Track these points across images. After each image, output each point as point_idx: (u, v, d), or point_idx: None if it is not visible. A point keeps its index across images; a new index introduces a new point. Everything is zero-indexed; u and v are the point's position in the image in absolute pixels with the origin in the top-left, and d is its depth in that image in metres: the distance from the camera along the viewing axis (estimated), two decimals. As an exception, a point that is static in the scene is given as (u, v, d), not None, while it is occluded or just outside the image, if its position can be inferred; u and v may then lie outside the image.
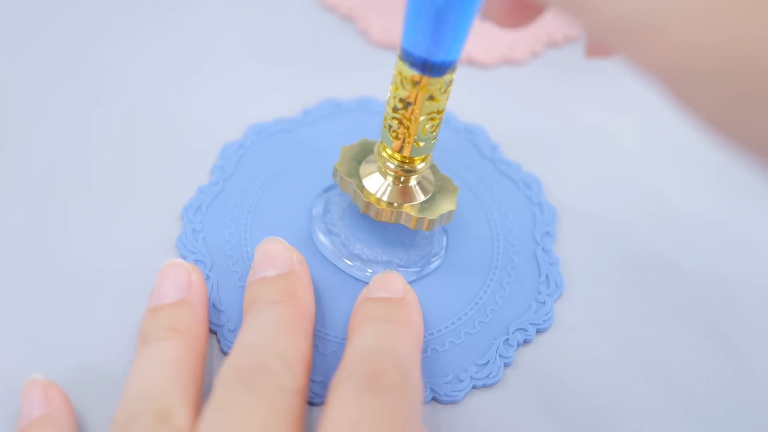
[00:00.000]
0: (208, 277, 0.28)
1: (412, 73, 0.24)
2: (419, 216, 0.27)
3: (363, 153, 0.29)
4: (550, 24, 0.39)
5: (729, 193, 0.33)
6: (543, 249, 0.30)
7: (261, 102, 0.34)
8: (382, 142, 0.27)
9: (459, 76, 0.36)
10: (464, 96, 0.35)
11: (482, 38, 0.38)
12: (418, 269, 0.28)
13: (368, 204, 0.27)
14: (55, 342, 0.26)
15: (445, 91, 0.25)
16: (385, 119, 0.26)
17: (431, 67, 0.24)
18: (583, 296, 0.29)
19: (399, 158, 0.27)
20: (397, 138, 0.26)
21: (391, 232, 0.29)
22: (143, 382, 0.22)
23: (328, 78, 0.35)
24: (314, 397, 0.25)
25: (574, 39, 0.39)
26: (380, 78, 0.35)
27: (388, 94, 0.26)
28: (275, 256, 0.25)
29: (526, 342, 0.27)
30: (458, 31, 0.23)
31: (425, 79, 0.24)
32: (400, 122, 0.26)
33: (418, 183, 0.28)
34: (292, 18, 0.38)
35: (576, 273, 0.30)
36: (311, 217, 0.29)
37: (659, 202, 0.33)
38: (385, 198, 0.27)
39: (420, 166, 0.27)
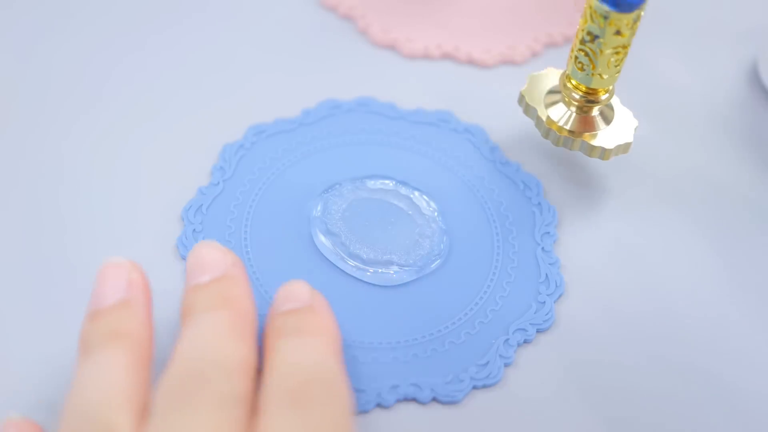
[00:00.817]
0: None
1: (603, 7, 0.26)
2: (596, 145, 0.30)
3: (548, 82, 0.31)
4: (549, 24, 0.39)
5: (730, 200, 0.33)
6: (543, 249, 0.30)
7: (261, 102, 0.34)
8: (567, 73, 0.30)
9: (459, 76, 0.36)
10: (464, 96, 0.35)
11: (482, 38, 0.38)
12: (419, 269, 0.28)
13: (549, 130, 0.30)
14: (55, 342, 0.26)
15: (631, 27, 0.27)
16: (572, 51, 0.29)
17: (621, 3, 0.26)
18: (583, 296, 0.29)
19: (583, 89, 0.29)
20: (582, 69, 0.28)
21: (392, 231, 0.29)
22: (84, 397, 0.21)
23: (328, 78, 0.35)
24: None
25: (570, 41, 0.39)
26: (380, 78, 0.35)
27: (577, 27, 0.28)
28: (207, 260, 0.24)
29: (526, 342, 0.27)
30: None
31: (614, 14, 0.26)
32: (587, 54, 0.28)
33: (600, 113, 0.30)
34: (292, 18, 0.38)
35: (576, 273, 0.30)
36: (311, 217, 0.29)
37: (659, 202, 0.33)
38: (567, 126, 0.30)
39: (603, 97, 0.29)
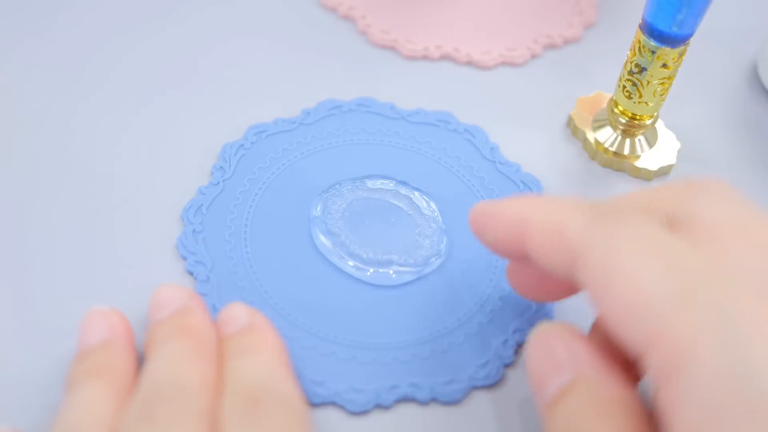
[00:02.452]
0: (208, 279, 0.28)
1: (651, 43, 0.28)
2: (641, 167, 0.32)
3: (594, 106, 0.34)
4: (549, 26, 0.39)
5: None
6: (543, 249, 0.30)
7: (261, 102, 0.34)
8: (614, 98, 0.32)
9: (458, 77, 0.36)
10: (464, 97, 0.35)
11: (482, 40, 0.38)
12: (419, 269, 0.28)
13: (596, 152, 0.33)
14: (55, 341, 0.26)
15: (677, 60, 0.29)
16: (620, 80, 0.31)
17: (668, 39, 0.28)
18: (582, 296, 0.29)
19: (629, 114, 0.31)
20: (629, 97, 0.31)
21: (392, 231, 0.29)
22: (66, 425, 0.22)
23: (328, 78, 0.35)
24: (314, 397, 0.25)
25: (573, 41, 0.39)
26: (380, 78, 0.36)
27: (625, 59, 0.30)
28: (164, 299, 0.25)
29: (525, 342, 0.27)
30: (700, 11, 0.27)
31: (662, 50, 0.29)
32: (634, 84, 0.30)
33: (644, 137, 0.33)
34: (292, 18, 0.38)
35: (576, 273, 0.30)
36: (311, 217, 0.29)
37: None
38: (613, 148, 0.33)
39: (648, 122, 0.32)
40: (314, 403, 0.25)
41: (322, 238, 0.29)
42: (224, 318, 0.25)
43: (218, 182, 0.30)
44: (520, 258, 0.24)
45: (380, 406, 0.25)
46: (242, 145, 0.32)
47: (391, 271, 0.28)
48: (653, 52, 0.29)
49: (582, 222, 0.21)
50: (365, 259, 0.28)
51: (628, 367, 0.21)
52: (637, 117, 0.32)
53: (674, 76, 0.30)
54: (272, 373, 0.24)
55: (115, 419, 0.22)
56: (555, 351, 0.21)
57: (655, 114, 0.32)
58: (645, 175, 0.32)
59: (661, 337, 0.18)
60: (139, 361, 0.25)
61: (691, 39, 0.28)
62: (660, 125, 0.33)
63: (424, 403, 0.26)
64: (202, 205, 0.30)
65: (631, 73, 0.30)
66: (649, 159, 0.33)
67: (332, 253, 0.28)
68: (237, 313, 0.25)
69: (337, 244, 0.29)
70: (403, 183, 0.31)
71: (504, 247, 0.24)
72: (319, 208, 0.30)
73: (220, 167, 0.31)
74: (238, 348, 0.24)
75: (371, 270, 0.28)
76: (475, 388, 0.26)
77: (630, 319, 0.19)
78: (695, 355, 0.17)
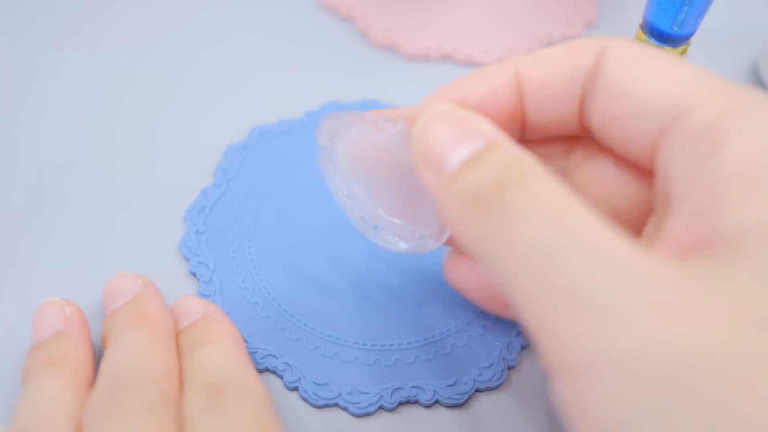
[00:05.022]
0: (211, 280, 0.28)
1: (652, 42, 0.28)
2: None
3: None
4: (549, 25, 0.39)
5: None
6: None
7: (264, 104, 0.34)
8: None
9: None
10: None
11: (481, 39, 0.38)
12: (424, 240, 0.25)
13: None
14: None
15: None
16: None
17: (669, 39, 0.28)
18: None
19: None
20: None
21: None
22: (23, 418, 0.22)
23: (329, 79, 0.35)
24: (318, 400, 0.25)
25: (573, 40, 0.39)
26: (380, 79, 0.35)
27: None
28: (118, 288, 0.25)
29: (529, 345, 0.27)
30: (701, 11, 0.27)
31: (662, 49, 0.28)
32: None
33: None
34: (292, 19, 0.38)
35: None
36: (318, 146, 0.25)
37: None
38: None
39: None
40: (318, 405, 0.25)
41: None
42: (178, 311, 0.25)
43: (221, 183, 0.30)
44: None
45: (384, 408, 0.25)
46: (245, 146, 0.32)
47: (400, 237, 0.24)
48: None
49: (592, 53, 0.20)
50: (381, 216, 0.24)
51: None
52: None
53: None
54: (232, 364, 0.24)
55: (76, 409, 0.22)
56: (464, 121, 0.19)
57: None
58: None
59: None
60: (96, 353, 0.25)
61: (692, 38, 0.28)
62: None
63: (427, 405, 0.26)
64: (205, 206, 0.30)
65: None
66: None
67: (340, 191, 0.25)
68: (189, 305, 0.25)
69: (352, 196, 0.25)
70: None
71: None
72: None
73: (224, 168, 0.31)
74: (194, 340, 0.24)
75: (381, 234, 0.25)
76: (479, 390, 0.26)
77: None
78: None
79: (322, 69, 0.36)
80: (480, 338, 0.27)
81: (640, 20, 0.29)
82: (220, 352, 0.24)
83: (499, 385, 0.26)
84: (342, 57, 0.37)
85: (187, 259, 0.28)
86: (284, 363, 0.26)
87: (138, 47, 0.36)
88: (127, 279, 0.26)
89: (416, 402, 0.26)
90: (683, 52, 0.29)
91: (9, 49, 0.36)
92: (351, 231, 0.29)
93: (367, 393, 0.26)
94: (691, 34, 0.28)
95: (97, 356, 0.24)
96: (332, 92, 0.34)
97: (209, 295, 0.27)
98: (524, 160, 0.18)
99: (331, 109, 0.33)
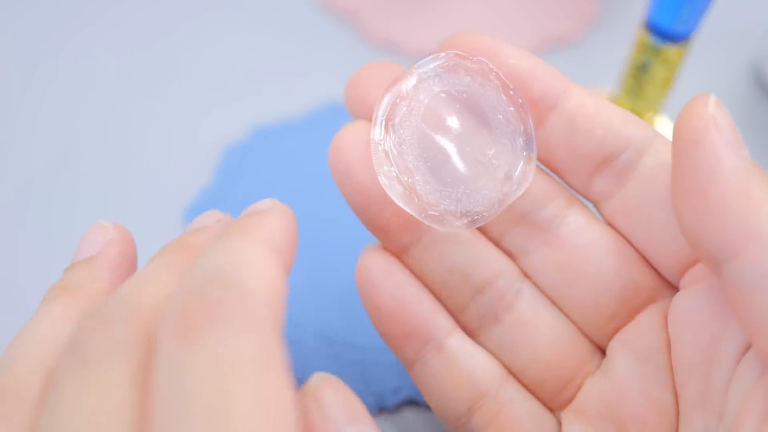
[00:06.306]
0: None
1: (654, 40, 0.29)
2: None
3: None
4: (550, 22, 0.39)
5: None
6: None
7: (263, 103, 0.34)
8: (616, 96, 0.32)
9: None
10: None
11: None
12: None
13: None
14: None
15: (679, 57, 0.29)
16: (622, 77, 0.31)
17: (671, 37, 0.28)
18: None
19: (630, 110, 0.30)
20: (630, 93, 0.31)
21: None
22: (9, 352, 0.19)
23: (328, 79, 0.35)
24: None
25: (575, 38, 0.39)
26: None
27: (627, 56, 0.31)
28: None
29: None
30: (703, 8, 0.27)
31: (664, 47, 0.29)
32: (637, 81, 0.30)
33: None
34: (292, 19, 0.38)
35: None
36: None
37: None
38: None
39: (650, 119, 0.32)
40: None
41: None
42: (197, 221, 0.21)
43: (220, 183, 0.30)
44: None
45: (384, 409, 0.25)
46: (245, 146, 0.32)
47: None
48: (656, 50, 0.29)
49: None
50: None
51: None
52: (639, 114, 0.32)
53: (676, 73, 0.30)
54: (244, 259, 0.16)
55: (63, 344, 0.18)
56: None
57: (657, 111, 0.32)
58: None
59: None
60: None
61: (694, 36, 0.28)
62: (662, 123, 0.33)
63: (427, 405, 0.26)
64: (204, 206, 0.30)
65: (633, 69, 0.30)
66: None
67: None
68: (209, 215, 0.21)
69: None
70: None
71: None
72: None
73: (223, 169, 0.31)
74: (219, 233, 0.18)
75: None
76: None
77: None
78: None
79: (321, 69, 0.36)
80: (480, 338, 0.27)
81: (641, 18, 0.29)
82: (240, 245, 0.17)
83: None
84: (342, 57, 0.37)
85: (187, 259, 0.28)
86: (283, 363, 0.26)
87: (138, 48, 0.36)
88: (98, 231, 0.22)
89: (416, 402, 0.26)
90: (684, 50, 0.29)
91: (8, 49, 0.35)
92: (351, 230, 0.28)
93: (367, 394, 0.25)
94: (693, 32, 0.28)
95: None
96: (332, 92, 0.34)
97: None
98: None
99: (330, 109, 0.33)
